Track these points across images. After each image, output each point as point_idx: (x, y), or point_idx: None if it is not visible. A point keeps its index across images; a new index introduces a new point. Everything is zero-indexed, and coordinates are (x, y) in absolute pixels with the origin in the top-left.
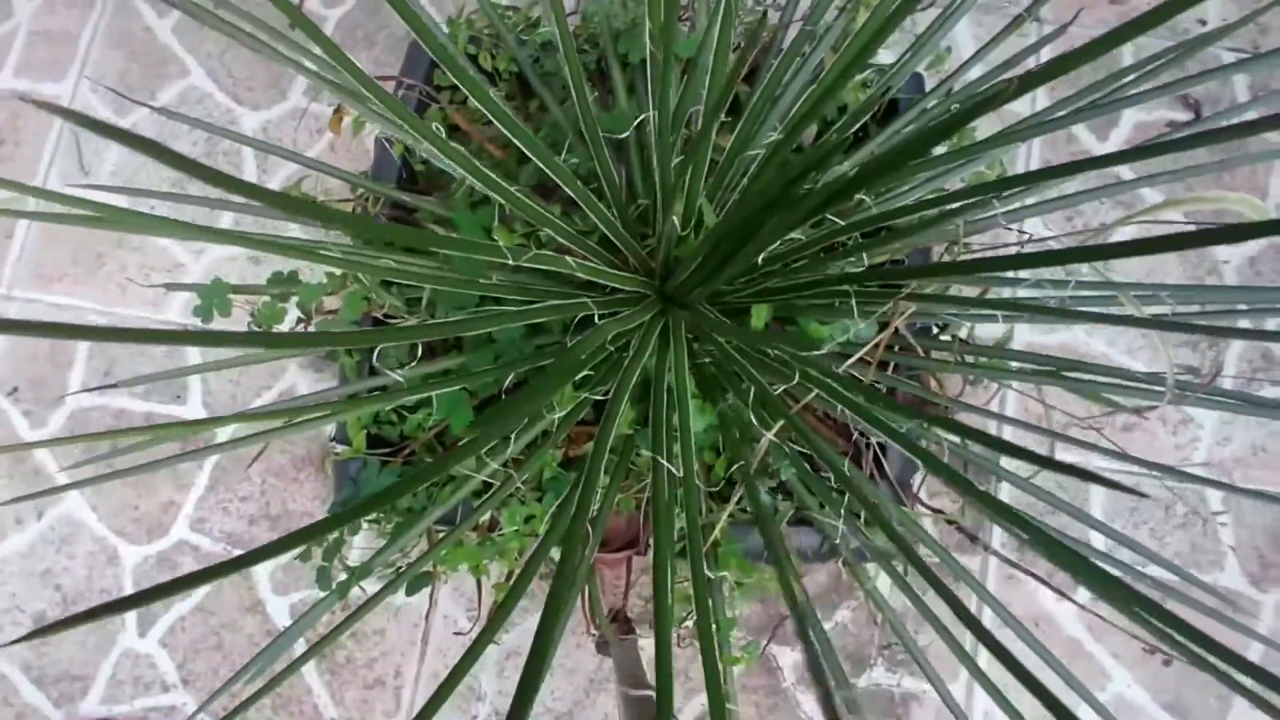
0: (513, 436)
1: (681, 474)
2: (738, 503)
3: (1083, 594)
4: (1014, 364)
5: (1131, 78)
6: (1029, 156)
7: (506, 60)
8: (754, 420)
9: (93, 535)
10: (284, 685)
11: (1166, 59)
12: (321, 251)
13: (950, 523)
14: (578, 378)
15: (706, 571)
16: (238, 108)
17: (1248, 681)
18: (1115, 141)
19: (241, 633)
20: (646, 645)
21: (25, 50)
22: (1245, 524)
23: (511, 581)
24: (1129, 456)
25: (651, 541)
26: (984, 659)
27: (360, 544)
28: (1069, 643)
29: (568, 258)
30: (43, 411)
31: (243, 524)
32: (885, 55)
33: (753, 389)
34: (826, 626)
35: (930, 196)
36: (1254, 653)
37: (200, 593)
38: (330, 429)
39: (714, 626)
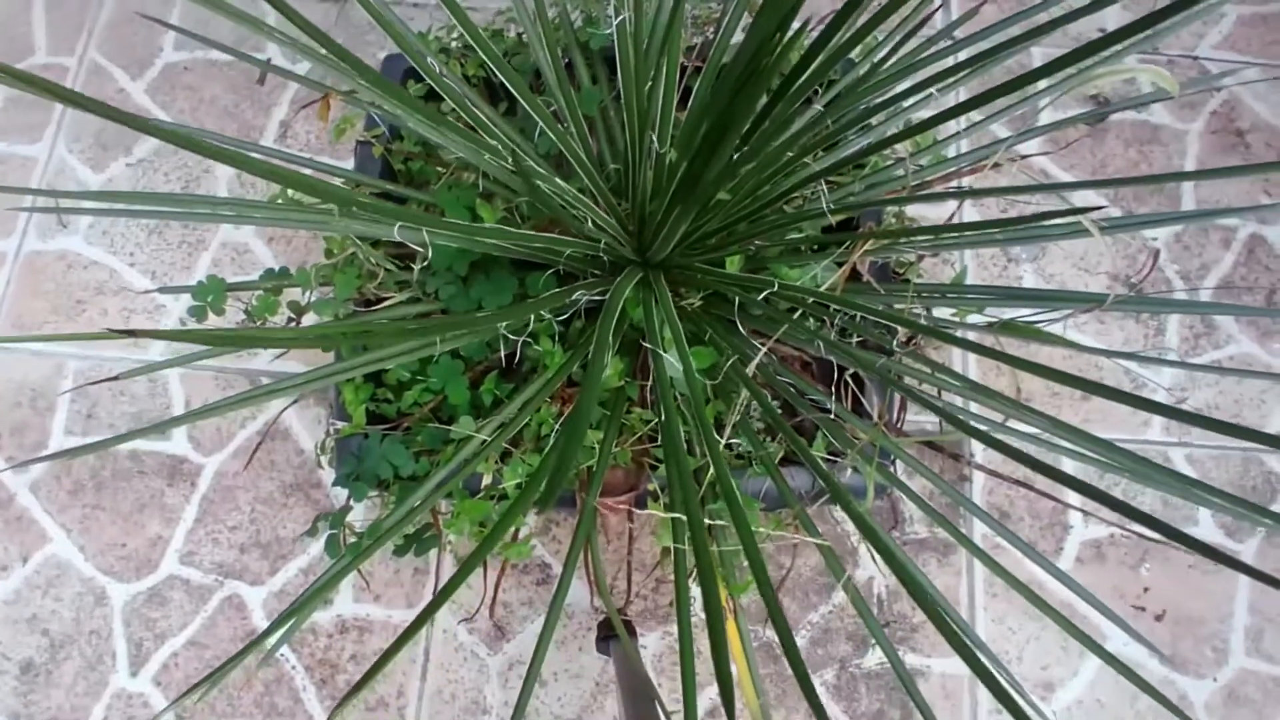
0: (506, 397)
1: (679, 370)
2: (731, 435)
3: (1068, 559)
4: (969, 296)
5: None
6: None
7: (475, 66)
8: (742, 329)
9: (80, 576)
10: (287, 717)
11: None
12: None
13: (929, 444)
14: (563, 304)
15: (704, 514)
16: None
17: None
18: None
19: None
20: (648, 644)
21: (1, 116)
22: (1211, 478)
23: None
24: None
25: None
26: (981, 630)
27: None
28: (1062, 605)
29: (558, 180)
30: (25, 457)
31: (234, 553)
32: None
33: (737, 300)
34: (823, 610)
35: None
36: (1241, 599)
37: (192, 627)
38: (312, 447)
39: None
